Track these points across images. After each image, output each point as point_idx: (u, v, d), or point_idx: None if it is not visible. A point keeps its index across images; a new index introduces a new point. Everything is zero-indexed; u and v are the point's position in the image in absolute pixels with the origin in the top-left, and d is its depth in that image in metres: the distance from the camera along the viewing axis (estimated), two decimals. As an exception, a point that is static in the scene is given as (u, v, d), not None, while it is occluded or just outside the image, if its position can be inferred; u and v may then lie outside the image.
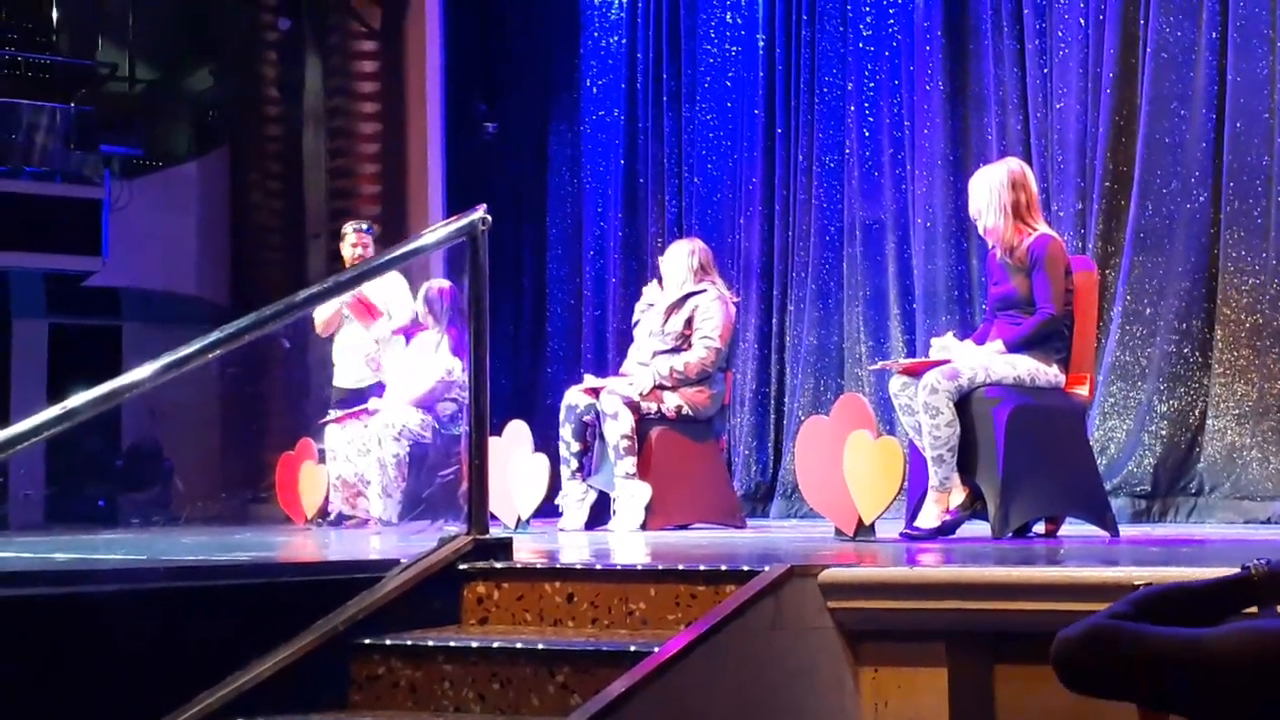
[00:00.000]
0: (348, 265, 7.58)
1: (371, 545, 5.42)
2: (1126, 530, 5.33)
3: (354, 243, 7.70)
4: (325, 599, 3.50)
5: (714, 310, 6.30)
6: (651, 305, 6.56)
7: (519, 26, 9.80)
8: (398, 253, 4.12)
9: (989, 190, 4.95)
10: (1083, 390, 5.00)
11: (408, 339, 7.44)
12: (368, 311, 7.54)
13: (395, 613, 3.53)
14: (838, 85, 8.09)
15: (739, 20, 8.57)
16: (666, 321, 6.38)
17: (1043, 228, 4.97)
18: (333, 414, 7.38)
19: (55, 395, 3.30)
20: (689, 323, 6.32)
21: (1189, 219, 6.52)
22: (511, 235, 9.22)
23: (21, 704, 3.08)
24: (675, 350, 6.31)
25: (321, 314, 7.60)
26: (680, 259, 6.46)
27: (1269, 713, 1.92)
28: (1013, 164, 5.08)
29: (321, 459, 7.33)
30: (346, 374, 7.71)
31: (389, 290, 7.61)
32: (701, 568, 3.33)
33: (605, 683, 2.92)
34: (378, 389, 7.46)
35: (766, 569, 3.17)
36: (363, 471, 7.07)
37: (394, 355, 7.47)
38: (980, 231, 5.08)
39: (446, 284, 7.49)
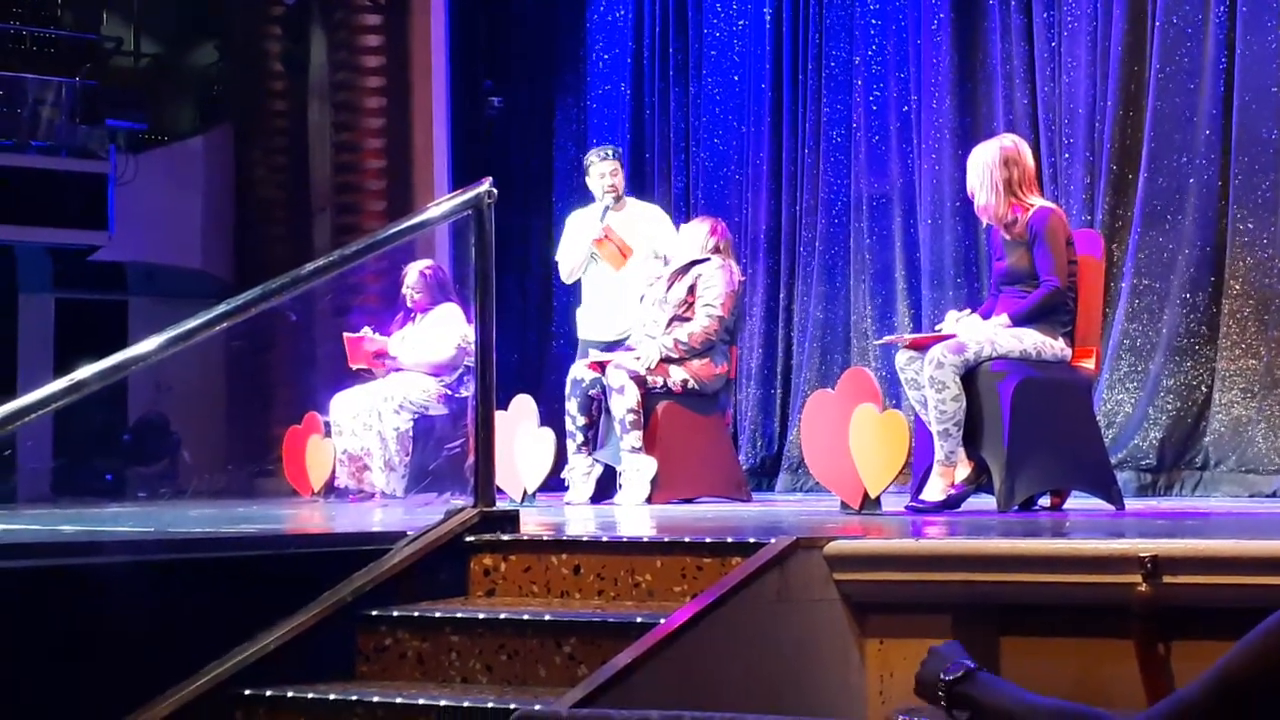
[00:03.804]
0: (600, 197, 6.82)
1: (378, 518, 5.44)
2: (1132, 504, 5.33)
3: (605, 172, 6.78)
4: (332, 571, 3.51)
5: (716, 279, 6.29)
6: (659, 278, 6.56)
7: (525, 0, 9.77)
8: (404, 225, 4.11)
9: (982, 169, 4.96)
10: (1089, 364, 5.00)
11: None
12: (619, 251, 6.75)
13: (402, 585, 3.54)
14: (845, 59, 8.07)
15: (746, -7, 8.55)
16: (670, 289, 6.37)
17: (1040, 201, 4.97)
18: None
19: (62, 370, 3.30)
20: (692, 290, 6.31)
21: (1197, 193, 6.50)
22: (518, 210, 9.21)
23: (29, 675, 3.09)
24: (679, 319, 6.30)
25: (569, 259, 6.89)
26: (697, 236, 6.41)
27: None
28: (1005, 140, 5.08)
29: (328, 432, 7.34)
30: (592, 325, 6.98)
31: (651, 228, 6.89)
32: (708, 540, 3.34)
33: (612, 654, 2.93)
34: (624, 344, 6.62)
35: (772, 541, 3.18)
36: (368, 445, 7.08)
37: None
38: (976, 210, 5.08)
39: (430, 263, 7.50)
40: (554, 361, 8.96)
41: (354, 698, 3.18)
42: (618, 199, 6.86)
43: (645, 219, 6.94)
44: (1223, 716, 1.86)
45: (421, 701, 3.10)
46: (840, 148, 8.06)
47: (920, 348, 4.87)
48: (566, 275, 7.03)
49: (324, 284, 3.84)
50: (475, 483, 3.78)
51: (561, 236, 7.08)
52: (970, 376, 4.74)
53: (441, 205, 4.05)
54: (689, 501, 6.19)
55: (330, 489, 7.31)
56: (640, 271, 6.77)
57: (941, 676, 2.25)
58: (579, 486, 6.30)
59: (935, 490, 4.76)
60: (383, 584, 3.52)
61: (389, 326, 7.46)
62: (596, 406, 6.30)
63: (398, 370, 7.23)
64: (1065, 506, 5.02)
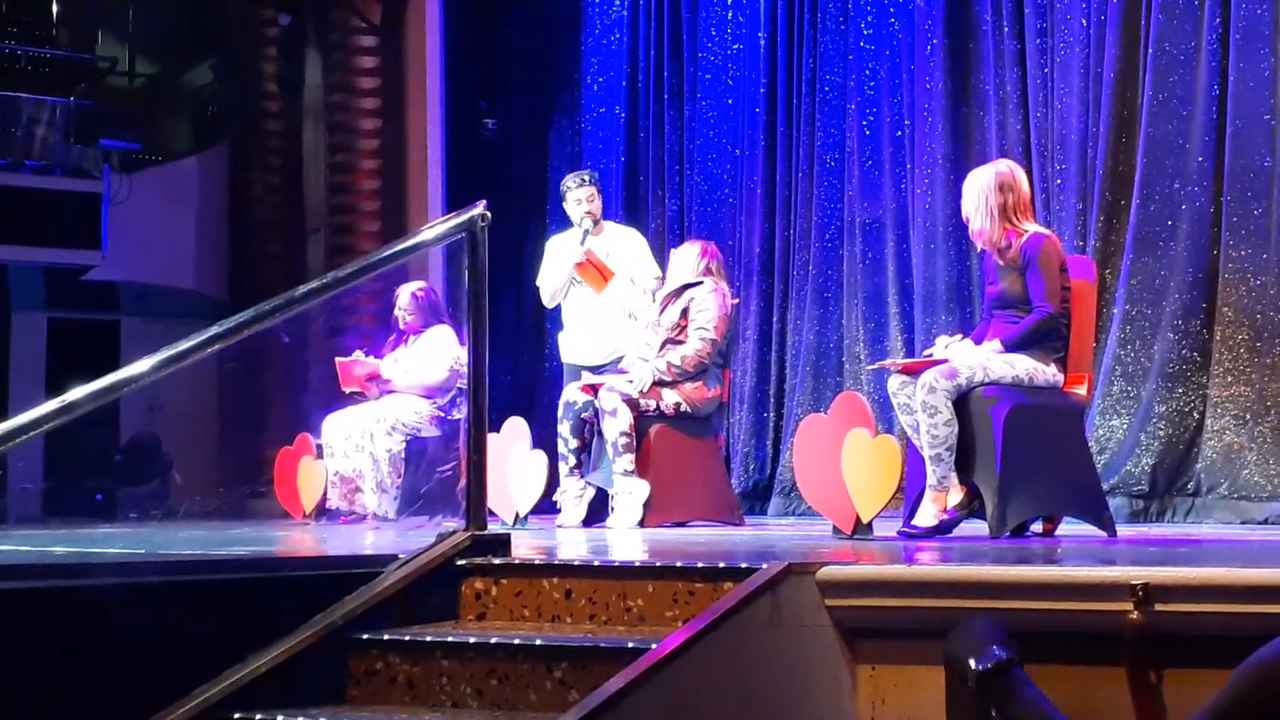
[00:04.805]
0: (578, 222, 6.86)
1: (369, 540, 5.42)
2: (1124, 530, 5.33)
3: (581, 198, 6.82)
4: (323, 594, 3.50)
5: (709, 303, 6.30)
6: (652, 296, 6.57)
7: (520, 22, 9.80)
8: (398, 248, 4.11)
9: (976, 193, 4.96)
10: (1081, 390, 5.00)
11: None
12: (599, 274, 6.74)
13: (393, 608, 3.53)
14: (838, 84, 8.10)
15: (740, 18, 8.58)
16: (663, 313, 6.38)
17: (1034, 227, 4.97)
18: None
19: (54, 389, 3.30)
20: (685, 314, 6.32)
21: (1189, 219, 6.52)
22: (512, 232, 9.22)
23: (19, 697, 3.08)
24: (672, 342, 6.31)
25: (550, 283, 6.94)
26: (689, 259, 6.43)
27: None
28: (1001, 166, 5.09)
29: (320, 454, 7.33)
30: (574, 349, 7.03)
31: (630, 251, 6.92)
32: (699, 565, 3.33)
33: (603, 679, 2.92)
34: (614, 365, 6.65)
35: (764, 566, 3.17)
36: (360, 467, 7.08)
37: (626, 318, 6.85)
38: (970, 234, 5.09)
39: (423, 284, 7.50)
40: (547, 384, 8.96)
41: (344, 722, 3.17)
42: (595, 223, 6.90)
43: (623, 242, 6.99)
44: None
45: (412, 726, 3.10)
46: (834, 172, 8.08)
47: (912, 372, 4.87)
48: (548, 300, 7.07)
49: (317, 305, 3.84)
50: (467, 505, 3.77)
51: (542, 262, 7.11)
52: (962, 402, 4.74)
53: (436, 228, 4.05)
54: (681, 525, 6.18)
55: (322, 511, 7.29)
56: (619, 295, 6.81)
57: (974, 665, 2.16)
58: (571, 510, 6.30)
59: (927, 516, 4.76)
60: (374, 607, 3.51)
61: (381, 348, 7.46)
62: (589, 429, 6.30)
63: (390, 392, 7.22)
64: (1057, 532, 5.02)
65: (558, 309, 7.16)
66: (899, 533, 4.79)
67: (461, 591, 3.62)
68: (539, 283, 7.08)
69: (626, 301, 6.84)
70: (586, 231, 6.85)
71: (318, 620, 3.43)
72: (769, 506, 8.03)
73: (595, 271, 6.79)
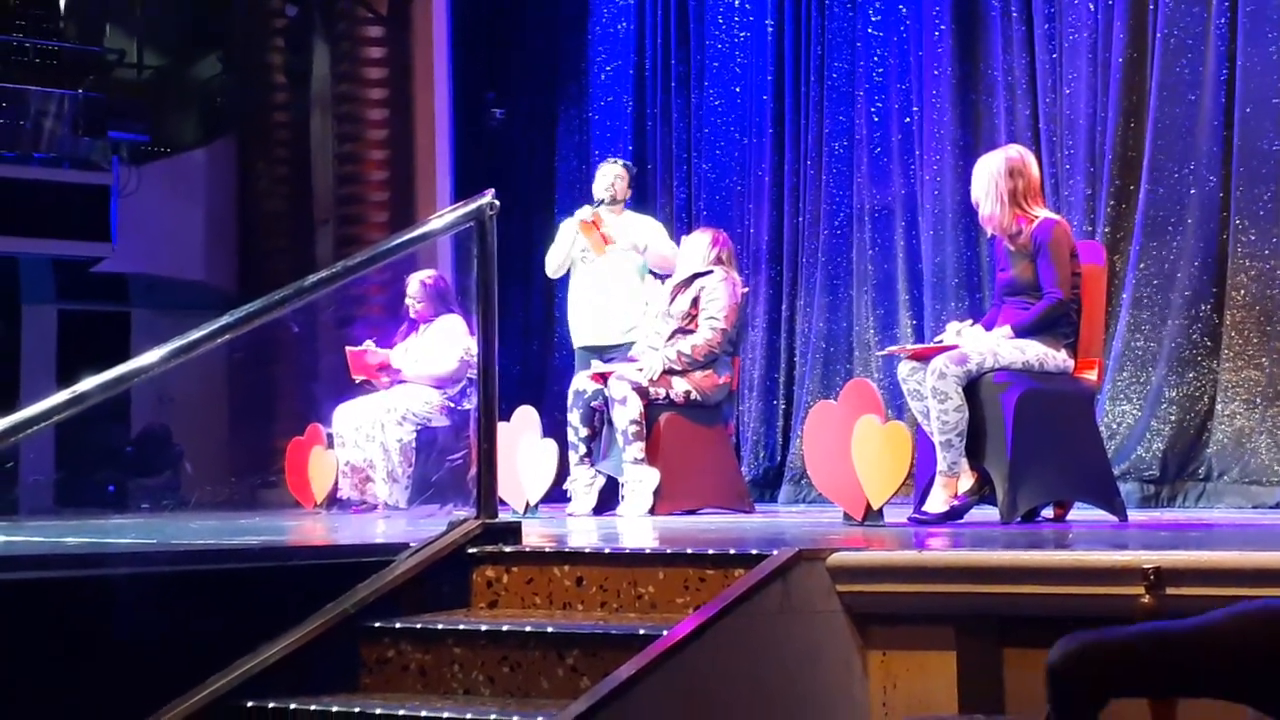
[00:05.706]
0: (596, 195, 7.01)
1: (380, 529, 5.44)
2: (1135, 515, 5.33)
3: (605, 173, 6.99)
4: (335, 583, 3.51)
5: (720, 292, 6.30)
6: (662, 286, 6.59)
7: (527, 12, 9.79)
8: (406, 237, 4.11)
9: (987, 178, 4.96)
10: (1091, 375, 4.99)
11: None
12: (601, 237, 6.83)
13: (405, 596, 3.55)
14: (846, 71, 8.08)
15: (748, 5, 8.56)
16: (673, 301, 6.38)
17: (1044, 213, 4.96)
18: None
19: (64, 381, 3.31)
20: (695, 303, 6.32)
21: (1199, 204, 6.50)
22: (520, 221, 9.22)
23: (32, 687, 3.09)
24: (682, 331, 6.31)
25: (555, 255, 7.08)
26: (700, 248, 6.43)
27: None
28: (1011, 151, 5.07)
29: (330, 444, 7.35)
30: (581, 330, 7.12)
31: (645, 233, 7.00)
32: (710, 551, 3.34)
33: (614, 665, 2.93)
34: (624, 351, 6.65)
35: (775, 553, 3.18)
36: (370, 457, 7.09)
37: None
38: (980, 220, 5.09)
39: (432, 273, 7.52)
40: (556, 373, 8.97)
41: (357, 710, 3.17)
42: (613, 200, 6.99)
43: (640, 227, 7.06)
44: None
45: (424, 714, 3.10)
46: (842, 159, 8.06)
47: (922, 358, 4.87)
48: (552, 271, 7.18)
49: (326, 295, 3.85)
50: (478, 494, 3.78)
51: (554, 241, 7.20)
52: (973, 387, 4.74)
53: (444, 217, 4.05)
54: (691, 513, 6.19)
55: (333, 500, 7.31)
56: (629, 270, 6.86)
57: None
58: (581, 498, 6.31)
59: (938, 501, 4.76)
60: (385, 595, 3.52)
61: (392, 338, 7.47)
62: (599, 418, 6.30)
63: (400, 382, 7.24)
64: (1068, 518, 5.02)
65: (565, 295, 7.19)
66: (910, 519, 4.79)
67: (473, 579, 3.63)
68: (547, 257, 7.19)
69: (639, 278, 6.93)
70: (601, 200, 6.97)
71: (330, 609, 3.44)
72: (779, 494, 8.03)
73: (598, 237, 6.88)
